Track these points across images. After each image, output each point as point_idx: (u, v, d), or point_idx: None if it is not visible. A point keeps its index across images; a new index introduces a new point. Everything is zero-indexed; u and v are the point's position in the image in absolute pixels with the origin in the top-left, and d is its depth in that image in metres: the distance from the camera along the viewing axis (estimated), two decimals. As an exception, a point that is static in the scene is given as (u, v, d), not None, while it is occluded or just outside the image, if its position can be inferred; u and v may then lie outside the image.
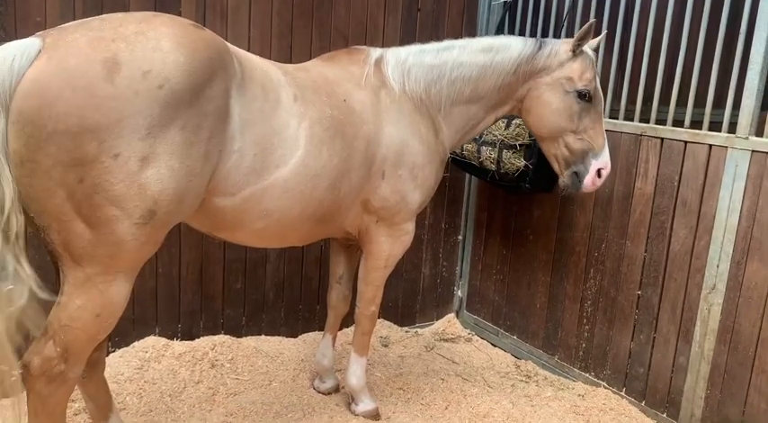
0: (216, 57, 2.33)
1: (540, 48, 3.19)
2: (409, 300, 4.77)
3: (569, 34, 4.05)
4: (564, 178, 3.32)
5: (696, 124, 3.44)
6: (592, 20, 3.23)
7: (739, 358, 3.25)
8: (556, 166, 3.34)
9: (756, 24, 3.15)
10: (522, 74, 3.20)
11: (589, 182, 3.26)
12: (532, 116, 3.28)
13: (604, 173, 3.26)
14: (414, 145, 3.07)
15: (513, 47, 3.19)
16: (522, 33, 4.32)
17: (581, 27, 3.99)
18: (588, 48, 3.23)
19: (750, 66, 3.18)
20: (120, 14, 2.26)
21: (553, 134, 3.26)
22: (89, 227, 2.10)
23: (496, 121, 3.45)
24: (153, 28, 2.19)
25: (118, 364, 3.58)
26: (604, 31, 3.26)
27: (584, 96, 3.15)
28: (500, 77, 3.20)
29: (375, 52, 3.15)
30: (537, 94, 3.23)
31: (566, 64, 3.17)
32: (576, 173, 3.26)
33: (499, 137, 3.88)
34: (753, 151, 3.16)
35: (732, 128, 3.28)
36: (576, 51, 3.17)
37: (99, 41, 2.08)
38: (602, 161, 3.24)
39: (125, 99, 2.05)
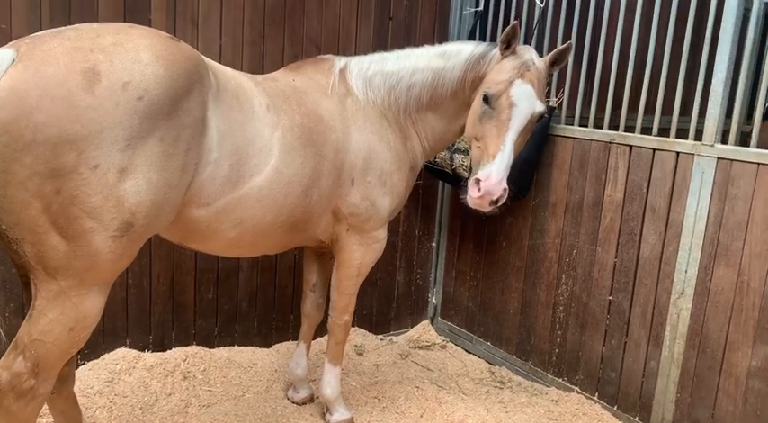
0: (193, 69, 2.31)
1: (486, 53, 3.02)
2: (384, 307, 4.76)
3: (539, 43, 4.12)
4: None
5: (664, 132, 3.51)
6: (514, 21, 3.02)
7: (708, 362, 3.32)
8: None
9: (720, 35, 3.23)
10: (471, 80, 3.04)
11: (468, 195, 2.89)
12: None
13: (483, 186, 2.80)
14: (381, 152, 3.07)
15: (463, 52, 3.07)
16: (492, 42, 4.35)
17: (551, 35, 4.08)
18: (528, 52, 2.97)
19: (715, 74, 3.27)
20: (95, 25, 2.23)
21: (468, 142, 3.11)
22: (65, 239, 2.06)
23: (464, 132, 3.28)
24: (131, 39, 2.17)
25: (87, 376, 3.51)
26: (569, 42, 3.14)
27: (486, 99, 2.90)
28: (452, 83, 3.07)
29: (340, 61, 3.16)
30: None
31: (495, 67, 2.97)
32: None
33: (472, 145, 3.90)
34: (718, 158, 3.23)
35: (698, 135, 3.36)
36: (504, 53, 2.94)
37: (77, 51, 2.05)
38: (483, 173, 2.82)
39: (105, 110, 2.02)
